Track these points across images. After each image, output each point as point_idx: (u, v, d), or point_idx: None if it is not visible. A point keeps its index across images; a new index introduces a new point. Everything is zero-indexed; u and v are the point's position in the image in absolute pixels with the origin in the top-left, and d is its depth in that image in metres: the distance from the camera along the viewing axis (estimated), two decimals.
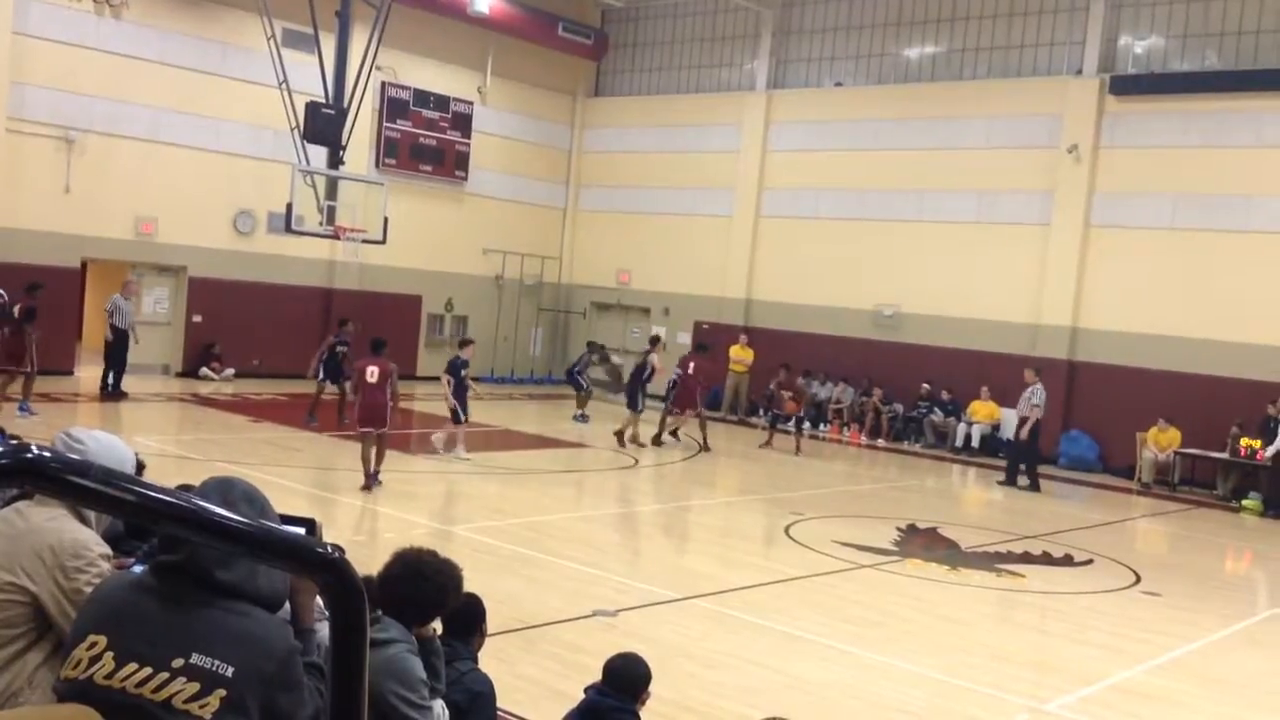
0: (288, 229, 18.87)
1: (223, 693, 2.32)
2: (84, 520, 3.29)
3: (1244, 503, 17.57)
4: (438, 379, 16.54)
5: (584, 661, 6.95)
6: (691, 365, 19.05)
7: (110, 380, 18.65)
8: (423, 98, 24.92)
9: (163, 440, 15.24)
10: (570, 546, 11.13)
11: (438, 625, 4.20)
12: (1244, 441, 17.88)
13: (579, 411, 21.15)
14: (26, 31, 19.34)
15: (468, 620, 4.50)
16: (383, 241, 20.00)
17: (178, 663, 2.33)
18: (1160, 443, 19.00)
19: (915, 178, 22.62)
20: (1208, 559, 14.43)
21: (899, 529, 13.50)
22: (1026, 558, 12.54)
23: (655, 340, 20.57)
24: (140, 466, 3.97)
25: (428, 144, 25.10)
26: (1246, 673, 9.02)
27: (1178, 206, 19.84)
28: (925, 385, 21.89)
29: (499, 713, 4.72)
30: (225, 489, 2.59)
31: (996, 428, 20.97)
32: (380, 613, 3.80)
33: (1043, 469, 18.40)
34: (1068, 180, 20.84)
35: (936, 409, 21.90)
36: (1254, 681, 8.80)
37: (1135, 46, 20.81)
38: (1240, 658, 9.46)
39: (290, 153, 19.10)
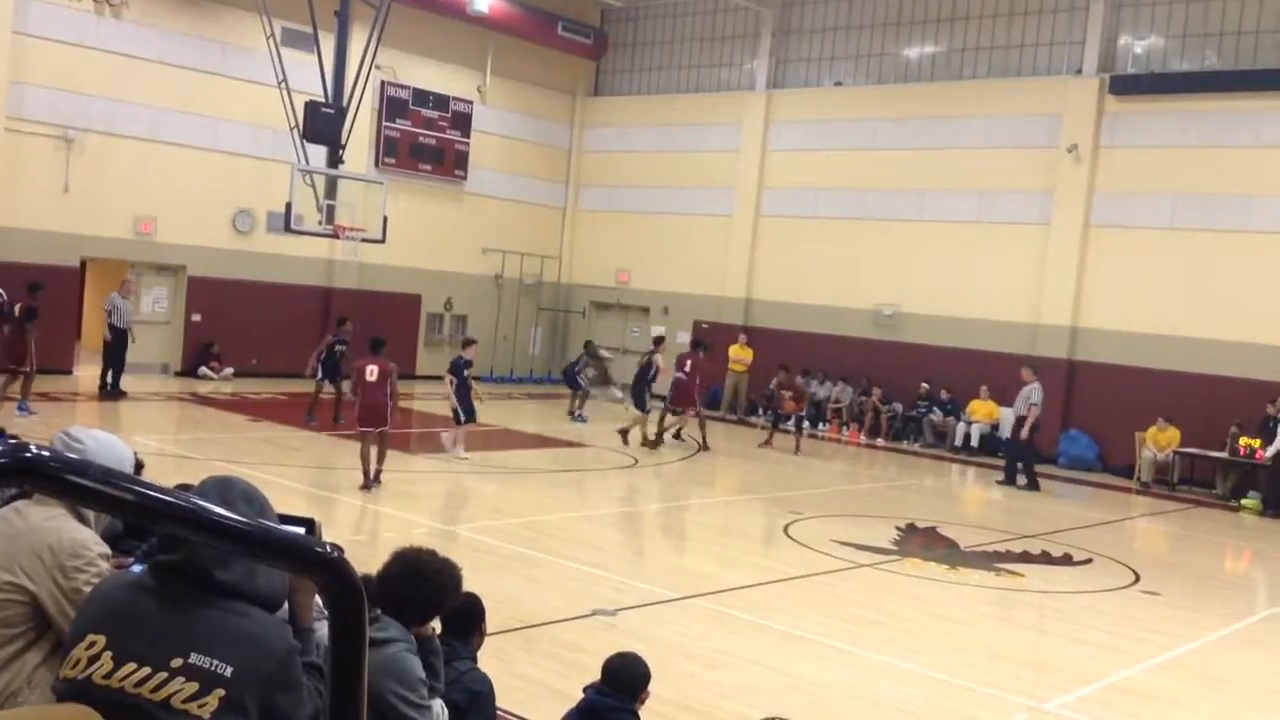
0: (287, 228, 18.88)
1: (221, 692, 2.32)
2: (83, 520, 3.29)
3: (1243, 502, 17.59)
4: (437, 378, 16.58)
5: (583, 661, 6.94)
6: (688, 364, 18.99)
7: (109, 379, 18.66)
8: (422, 97, 24.91)
9: (161, 439, 15.24)
10: (570, 546, 11.13)
11: (437, 625, 4.20)
12: (1243, 441, 17.89)
13: (577, 411, 21.14)
14: (26, 31, 19.34)
15: (467, 620, 4.50)
16: (382, 241, 20.01)
17: (176, 662, 2.33)
18: (1159, 442, 19.01)
19: (915, 177, 22.61)
20: (1207, 558, 14.44)
21: (898, 528, 13.50)
22: (1025, 557, 12.55)
23: (659, 340, 20.32)
24: (139, 466, 3.96)
25: (427, 143, 25.10)
26: (1246, 672, 9.02)
27: (1177, 206, 19.85)
28: (924, 385, 21.89)
29: (498, 712, 4.72)
30: (224, 488, 2.59)
31: (995, 427, 20.93)
32: (379, 612, 3.80)
33: (1042, 468, 18.41)
34: (1067, 180, 20.84)
35: (936, 408, 21.90)
36: (1253, 681, 8.81)
37: (1135, 46, 20.81)
38: (1239, 657, 9.46)
39: (290, 152, 19.11)
